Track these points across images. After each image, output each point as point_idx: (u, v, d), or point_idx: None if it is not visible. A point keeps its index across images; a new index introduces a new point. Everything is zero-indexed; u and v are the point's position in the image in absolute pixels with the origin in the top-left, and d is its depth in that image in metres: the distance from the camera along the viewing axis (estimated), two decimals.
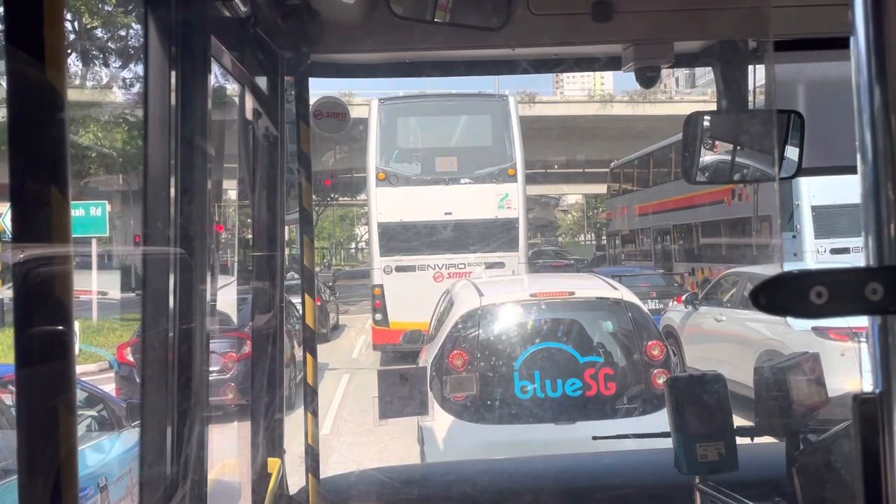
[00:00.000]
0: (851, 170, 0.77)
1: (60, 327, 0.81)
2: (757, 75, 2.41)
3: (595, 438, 2.93)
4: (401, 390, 3.29)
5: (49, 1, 0.79)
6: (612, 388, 5.42)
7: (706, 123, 2.27)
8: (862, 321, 0.74)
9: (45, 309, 0.81)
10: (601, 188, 33.40)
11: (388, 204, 13.80)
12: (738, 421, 2.15)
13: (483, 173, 14.14)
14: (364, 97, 21.44)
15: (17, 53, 0.79)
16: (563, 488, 2.58)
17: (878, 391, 0.71)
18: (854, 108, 0.73)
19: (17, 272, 0.79)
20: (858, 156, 0.73)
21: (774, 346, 8.69)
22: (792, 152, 2.20)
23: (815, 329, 7.94)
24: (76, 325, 0.90)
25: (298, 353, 9.23)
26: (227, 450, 2.58)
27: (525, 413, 5.35)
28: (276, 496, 2.29)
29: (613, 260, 26.96)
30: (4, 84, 0.82)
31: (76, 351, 0.88)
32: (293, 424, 2.60)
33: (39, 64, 0.79)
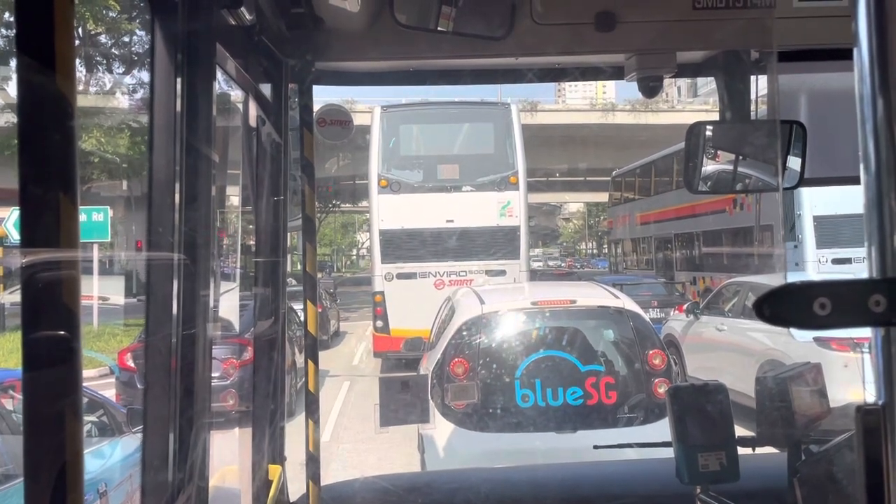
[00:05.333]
0: (854, 180, 0.77)
1: (67, 332, 0.81)
2: (759, 85, 2.42)
3: (596, 447, 2.93)
4: (402, 398, 3.28)
5: (60, 10, 0.80)
6: (614, 397, 5.41)
7: (708, 133, 2.28)
8: (865, 331, 0.74)
9: (52, 313, 0.82)
10: (603, 196, 33.40)
11: (389, 211, 13.82)
12: (740, 431, 2.15)
13: (485, 181, 14.16)
14: (367, 104, 21.48)
15: (28, 61, 0.80)
16: (565, 497, 2.57)
17: (880, 402, 0.72)
18: (857, 118, 0.74)
19: (25, 277, 0.80)
20: (861, 167, 0.73)
21: (776, 356, 8.67)
22: (794, 162, 2.21)
23: (816, 339, 7.93)
24: None
25: (299, 359, 9.22)
26: (228, 456, 2.57)
27: (526, 421, 5.34)
28: (276, 503, 2.28)
29: (615, 268, 26.97)
30: (15, 91, 0.82)
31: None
32: (293, 431, 2.60)
33: (50, 72, 0.79)
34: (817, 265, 13.87)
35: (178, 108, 1.40)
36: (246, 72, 1.93)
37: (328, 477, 2.62)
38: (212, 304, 1.62)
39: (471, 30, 2.08)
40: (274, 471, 2.32)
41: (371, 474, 2.93)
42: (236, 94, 2.14)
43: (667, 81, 2.46)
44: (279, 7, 2.07)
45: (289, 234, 2.62)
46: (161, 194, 1.38)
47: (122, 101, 22.86)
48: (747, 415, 2.58)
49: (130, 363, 9.37)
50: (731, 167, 2.29)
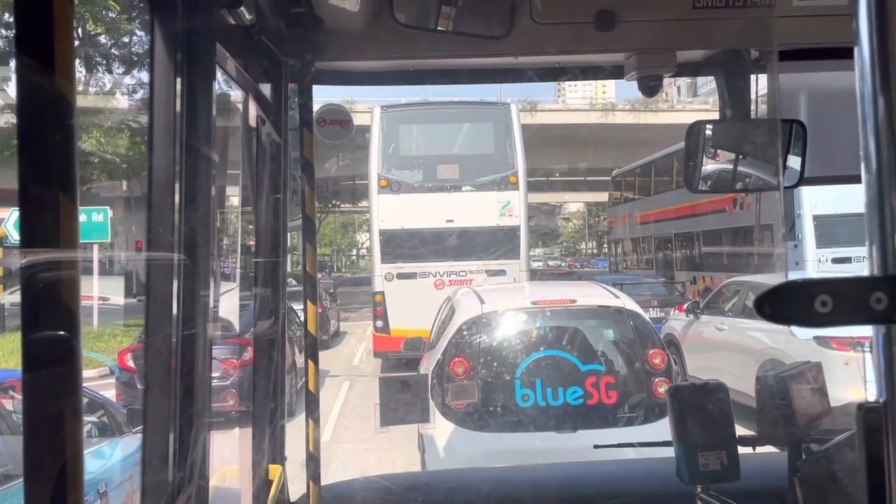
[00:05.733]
0: (854, 179, 0.77)
1: (67, 332, 0.81)
2: (759, 84, 2.42)
3: (596, 447, 2.93)
4: (402, 397, 3.29)
5: (59, 10, 0.80)
6: (614, 397, 5.41)
7: (709, 132, 2.27)
8: (865, 331, 0.74)
9: (52, 314, 0.82)
10: (603, 196, 33.40)
11: (389, 211, 13.82)
12: (740, 430, 2.15)
13: (485, 181, 14.16)
14: (367, 105, 21.49)
15: (28, 61, 0.80)
16: (565, 497, 2.57)
17: (882, 400, 0.72)
18: (858, 117, 0.74)
19: (25, 277, 0.80)
20: (862, 165, 0.73)
21: (776, 355, 8.67)
22: (794, 161, 2.21)
23: (816, 338, 7.93)
24: None
25: (299, 359, 9.23)
26: (228, 456, 2.57)
27: (526, 421, 5.34)
28: (277, 503, 2.28)
29: (615, 268, 26.98)
30: (15, 91, 0.82)
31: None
32: (294, 431, 2.60)
33: (49, 72, 0.79)
34: (817, 264, 13.88)
35: (178, 108, 1.40)
36: (246, 71, 1.93)
37: (328, 477, 2.62)
38: (212, 304, 1.62)
39: (470, 29, 2.08)
40: (274, 471, 2.32)
41: (371, 474, 2.93)
42: (236, 94, 2.14)
43: (667, 81, 2.46)
44: (279, 7, 2.07)
45: (289, 234, 2.62)
46: (161, 194, 1.38)
47: (122, 101, 22.85)
48: (748, 414, 2.58)
49: (130, 363, 9.37)
50: (731, 166, 2.29)
